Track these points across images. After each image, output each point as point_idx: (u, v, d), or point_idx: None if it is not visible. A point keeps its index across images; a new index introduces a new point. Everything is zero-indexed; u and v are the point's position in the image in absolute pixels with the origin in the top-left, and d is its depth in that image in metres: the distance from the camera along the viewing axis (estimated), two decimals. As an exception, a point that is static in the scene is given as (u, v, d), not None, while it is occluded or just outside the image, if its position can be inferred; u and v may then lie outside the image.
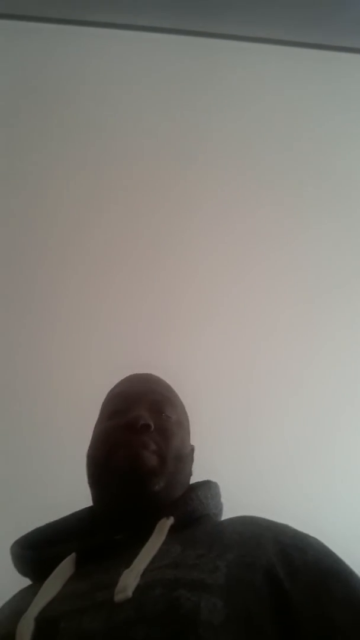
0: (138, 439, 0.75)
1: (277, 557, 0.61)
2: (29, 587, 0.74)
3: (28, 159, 1.69)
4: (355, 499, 1.39)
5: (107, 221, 1.66)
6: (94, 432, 0.85)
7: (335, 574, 0.61)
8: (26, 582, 0.76)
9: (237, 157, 1.76)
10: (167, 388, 0.90)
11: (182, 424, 0.86)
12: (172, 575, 0.59)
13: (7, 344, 1.51)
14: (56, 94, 1.75)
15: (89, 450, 0.83)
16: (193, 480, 0.85)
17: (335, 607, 0.57)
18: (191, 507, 0.75)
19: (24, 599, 0.68)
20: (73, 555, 0.71)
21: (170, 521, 0.70)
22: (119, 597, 0.57)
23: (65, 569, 0.69)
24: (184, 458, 0.82)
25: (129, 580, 0.59)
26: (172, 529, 0.69)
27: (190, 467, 0.86)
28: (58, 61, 1.77)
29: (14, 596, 0.74)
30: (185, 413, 0.90)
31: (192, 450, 0.88)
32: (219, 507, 0.82)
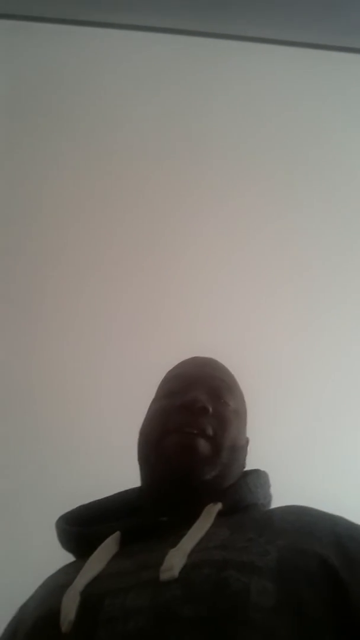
0: (195, 421, 0.73)
1: (332, 547, 0.60)
2: (72, 563, 0.73)
3: (28, 159, 1.69)
4: (356, 497, 1.40)
5: (107, 220, 1.67)
6: (148, 410, 0.83)
7: None
8: (66, 559, 0.76)
9: (237, 157, 1.76)
10: (229, 375, 0.88)
11: (240, 413, 0.84)
12: (221, 557, 0.58)
13: (16, 350, 1.51)
14: (56, 94, 1.75)
15: (142, 428, 0.81)
16: None
17: None
18: (239, 495, 0.74)
19: (68, 574, 0.68)
20: (117, 533, 0.70)
21: (218, 506, 0.69)
22: (164, 575, 0.57)
23: (109, 546, 0.68)
24: (239, 449, 0.81)
25: (176, 560, 0.58)
26: (220, 515, 0.68)
27: (244, 459, 0.84)
28: (58, 61, 1.77)
29: (57, 571, 0.74)
30: (244, 403, 0.88)
31: (248, 442, 0.86)
32: (267, 498, 0.81)
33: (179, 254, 1.66)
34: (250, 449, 0.86)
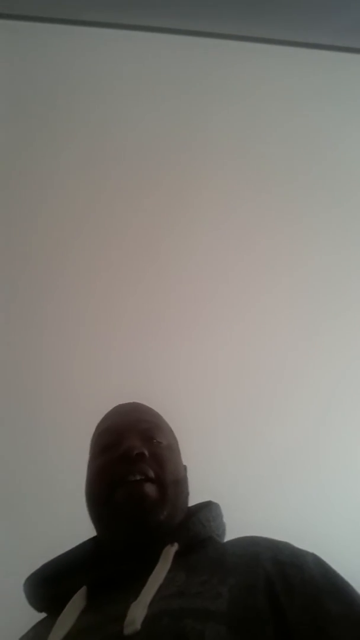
0: (136, 469, 0.76)
1: (275, 576, 0.64)
2: (42, 621, 0.76)
3: (28, 159, 1.69)
4: (355, 500, 1.40)
5: (107, 221, 1.66)
6: (88, 469, 0.86)
7: (331, 592, 0.63)
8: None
9: (237, 156, 1.76)
10: (154, 414, 0.92)
11: (173, 447, 0.88)
12: (178, 605, 0.61)
13: (6, 352, 1.51)
14: (56, 94, 1.75)
15: (86, 488, 0.83)
16: (192, 496, 0.86)
17: (330, 623, 0.59)
18: (193, 532, 0.77)
19: (38, 634, 0.71)
20: (84, 588, 0.72)
21: (174, 548, 0.72)
22: (128, 630, 0.59)
23: (77, 602, 0.70)
24: (181, 480, 0.84)
25: (137, 613, 0.61)
26: (177, 555, 0.71)
27: (187, 488, 0.87)
28: (58, 61, 1.77)
29: (30, 630, 0.76)
30: (173, 435, 0.91)
31: (186, 469, 0.89)
32: (221, 528, 0.84)
33: (180, 257, 1.66)
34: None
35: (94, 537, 0.84)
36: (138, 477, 0.76)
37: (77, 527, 0.84)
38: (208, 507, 0.84)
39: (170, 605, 0.62)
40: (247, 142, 1.77)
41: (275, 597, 0.61)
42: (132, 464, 0.76)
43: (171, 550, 0.72)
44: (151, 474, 0.77)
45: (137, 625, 0.59)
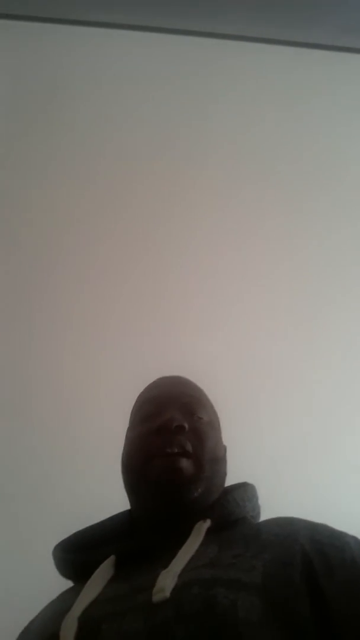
0: (174, 441, 0.75)
1: (313, 555, 0.62)
2: (70, 589, 0.75)
3: (28, 159, 1.69)
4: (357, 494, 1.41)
5: (107, 221, 1.66)
6: (126, 438, 0.85)
7: None
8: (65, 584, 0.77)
9: (237, 156, 1.76)
10: (197, 389, 0.90)
11: (214, 424, 0.86)
12: (209, 575, 0.60)
13: (15, 351, 1.51)
14: (56, 94, 1.75)
15: (123, 458, 0.83)
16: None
17: None
18: (228, 510, 0.76)
19: (65, 600, 0.69)
20: (112, 557, 0.72)
21: (207, 524, 0.71)
22: (157, 597, 0.58)
23: (105, 571, 0.70)
24: (219, 460, 0.82)
25: (167, 581, 0.60)
26: (209, 532, 0.70)
27: (225, 468, 0.85)
28: (58, 61, 1.77)
29: (56, 598, 0.75)
30: (215, 413, 0.89)
31: (225, 450, 0.88)
32: (256, 510, 0.82)
33: (178, 255, 1.66)
34: (230, 457, 0.87)
35: (129, 510, 0.83)
36: (175, 450, 0.74)
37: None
38: (243, 487, 0.83)
39: (201, 575, 0.60)
40: (247, 141, 1.77)
41: (313, 575, 0.60)
42: (170, 436, 0.75)
43: (204, 525, 0.70)
44: (189, 447, 0.75)
45: (167, 593, 0.58)
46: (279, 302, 1.64)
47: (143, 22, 1.78)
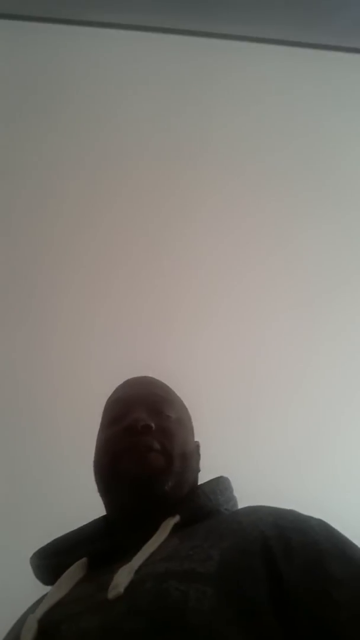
0: (141, 441, 0.75)
1: (274, 540, 0.62)
2: (47, 593, 0.75)
3: (28, 159, 1.69)
4: (357, 494, 1.41)
5: (107, 220, 1.67)
6: (97, 441, 0.85)
7: (336, 555, 0.60)
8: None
9: (236, 156, 1.76)
10: (164, 388, 0.90)
11: (183, 421, 0.86)
12: (163, 568, 0.60)
13: (5, 348, 1.51)
14: (56, 94, 1.75)
15: (95, 460, 0.83)
16: (201, 478, 0.85)
17: (333, 585, 0.56)
18: (197, 504, 0.76)
19: (37, 603, 0.70)
20: (84, 559, 0.72)
21: (175, 519, 0.71)
22: (111, 594, 0.59)
23: (73, 573, 0.70)
24: (189, 455, 0.82)
25: (122, 577, 0.60)
26: (178, 527, 0.70)
27: (197, 464, 0.86)
28: (58, 61, 1.77)
29: (34, 603, 0.75)
30: (185, 410, 0.90)
31: (198, 446, 0.88)
32: (231, 502, 0.82)
33: (177, 254, 1.66)
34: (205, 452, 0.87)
35: (104, 515, 0.83)
36: (143, 449, 0.75)
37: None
38: (215, 481, 0.83)
39: (156, 569, 0.60)
40: (247, 141, 1.77)
41: (271, 559, 0.59)
42: (137, 436, 0.76)
43: (171, 521, 0.71)
44: (156, 446, 0.76)
45: (121, 589, 0.58)
46: (279, 299, 1.64)
47: (143, 22, 1.78)
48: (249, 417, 1.45)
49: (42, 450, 1.41)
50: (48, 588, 0.76)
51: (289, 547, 0.61)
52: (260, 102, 1.82)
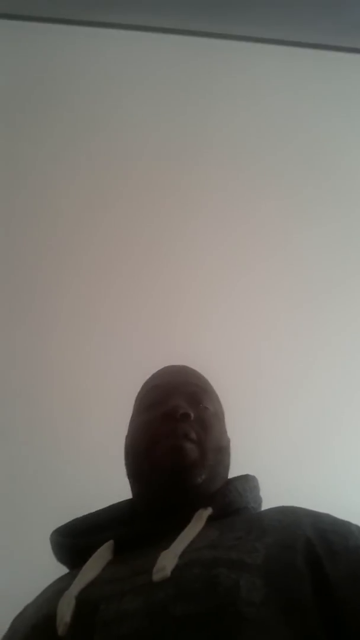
0: (179, 428, 0.75)
1: (317, 541, 0.62)
2: (68, 574, 0.74)
3: (28, 159, 1.69)
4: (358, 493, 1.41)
5: (108, 221, 1.67)
6: (130, 425, 0.85)
7: None
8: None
9: (236, 156, 1.76)
10: (203, 380, 0.90)
11: (219, 415, 0.86)
12: (211, 555, 0.60)
13: (5, 348, 1.51)
14: (56, 94, 1.75)
15: (127, 443, 0.82)
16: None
17: None
18: (229, 499, 0.75)
19: (63, 581, 0.69)
20: (111, 542, 0.71)
21: (208, 511, 0.71)
22: (157, 576, 0.58)
23: (103, 554, 0.69)
24: (223, 450, 0.82)
25: (167, 561, 0.60)
26: (211, 519, 0.70)
27: (229, 460, 0.85)
28: (58, 61, 1.77)
29: (54, 581, 0.74)
30: (221, 405, 0.90)
31: (229, 442, 0.88)
32: (257, 501, 0.82)
33: (177, 254, 1.66)
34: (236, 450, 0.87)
35: (130, 499, 0.83)
36: (180, 436, 0.74)
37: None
38: (245, 478, 0.83)
39: (202, 555, 0.60)
40: (247, 141, 1.77)
41: (316, 560, 0.59)
42: (176, 423, 0.75)
43: (205, 513, 0.70)
44: (193, 435, 0.75)
45: (167, 572, 0.57)
46: (279, 298, 1.64)
47: (143, 22, 1.78)
48: (249, 417, 1.45)
49: (42, 450, 1.40)
50: (50, 580, 0.75)
51: (332, 550, 0.61)
52: (261, 102, 1.82)
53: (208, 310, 1.60)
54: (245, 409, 1.46)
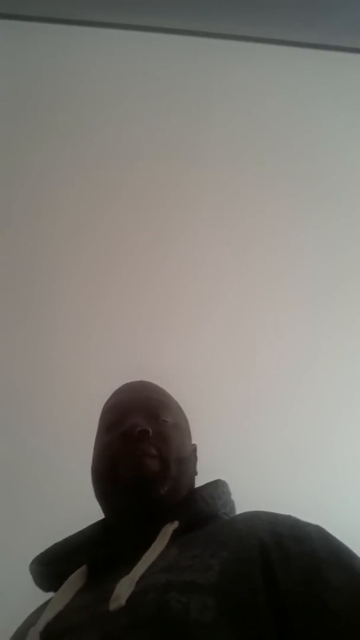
0: (138, 447, 0.76)
1: (271, 547, 0.61)
2: (44, 604, 0.74)
3: (28, 159, 1.69)
4: (356, 495, 1.41)
5: (108, 220, 1.67)
6: (94, 447, 0.86)
7: (333, 563, 0.60)
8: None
9: (237, 156, 1.76)
10: (161, 393, 0.90)
11: (180, 426, 0.86)
12: (164, 579, 0.60)
13: (5, 348, 1.51)
14: (56, 94, 1.75)
15: (92, 466, 0.83)
16: (199, 479, 0.85)
17: (329, 594, 0.56)
18: (195, 509, 0.76)
19: (38, 612, 0.70)
20: (84, 567, 0.72)
21: (173, 526, 0.71)
22: (113, 605, 0.58)
23: (74, 581, 0.70)
24: (186, 460, 0.83)
25: (123, 589, 0.60)
26: (176, 533, 0.70)
27: (194, 467, 0.86)
28: (58, 61, 1.77)
29: (34, 611, 0.75)
30: (182, 414, 0.90)
31: (195, 449, 0.88)
32: (228, 506, 0.82)
33: (177, 254, 1.66)
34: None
35: (103, 519, 0.84)
36: (139, 455, 0.75)
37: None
38: (214, 484, 0.83)
39: (157, 580, 0.60)
40: (247, 141, 1.77)
41: (269, 567, 0.59)
42: (134, 442, 0.76)
43: (169, 528, 0.70)
44: (153, 451, 0.76)
45: (122, 601, 0.58)
46: (278, 299, 1.64)
47: (143, 22, 1.78)
48: (248, 418, 1.45)
49: (42, 450, 1.41)
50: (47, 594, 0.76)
51: (285, 555, 0.60)
52: (261, 102, 1.81)
53: (208, 310, 1.60)
54: (244, 409, 1.46)
